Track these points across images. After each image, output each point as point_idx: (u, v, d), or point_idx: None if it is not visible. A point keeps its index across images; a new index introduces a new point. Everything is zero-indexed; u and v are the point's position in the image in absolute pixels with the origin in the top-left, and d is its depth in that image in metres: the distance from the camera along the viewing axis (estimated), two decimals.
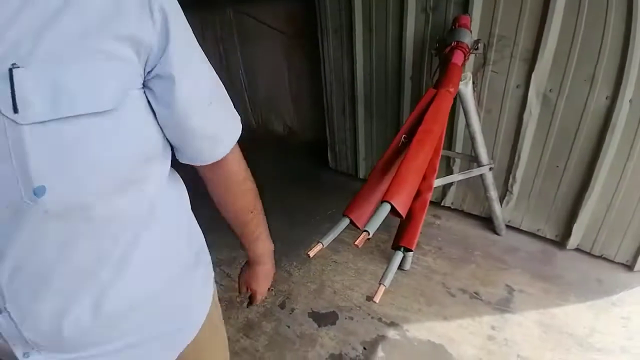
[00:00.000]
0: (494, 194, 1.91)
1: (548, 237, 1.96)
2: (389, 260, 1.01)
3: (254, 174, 0.68)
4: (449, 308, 1.66)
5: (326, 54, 2.31)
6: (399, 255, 0.98)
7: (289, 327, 1.62)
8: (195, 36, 0.50)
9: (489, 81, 1.78)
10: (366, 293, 1.76)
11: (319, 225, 2.21)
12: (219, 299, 1.71)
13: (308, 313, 1.68)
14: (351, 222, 1.04)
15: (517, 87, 1.71)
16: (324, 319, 1.65)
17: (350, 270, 1.89)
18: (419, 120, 1.22)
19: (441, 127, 1.18)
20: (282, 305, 1.72)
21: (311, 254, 0.93)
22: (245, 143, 0.62)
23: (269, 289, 0.82)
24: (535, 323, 1.57)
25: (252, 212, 0.69)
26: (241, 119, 0.60)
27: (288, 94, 3.16)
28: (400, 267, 1.88)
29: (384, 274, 0.96)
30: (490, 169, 1.83)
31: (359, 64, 2.18)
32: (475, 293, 1.72)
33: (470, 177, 1.91)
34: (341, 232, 1.04)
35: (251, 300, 0.83)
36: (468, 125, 1.72)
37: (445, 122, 1.27)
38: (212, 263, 0.75)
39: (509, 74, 1.70)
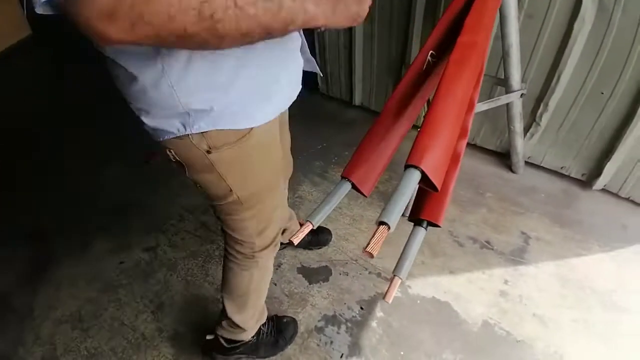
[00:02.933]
0: (519, 126, 1.59)
1: (573, 175, 1.71)
2: (408, 238, 0.72)
3: None
4: (457, 260, 1.46)
5: None
6: (420, 234, 0.70)
7: (275, 284, 1.42)
8: None
9: None
10: (362, 244, 1.53)
11: (307, 162, 1.90)
12: (195, 252, 1.43)
13: (297, 268, 1.47)
14: (353, 187, 0.72)
15: None
16: (316, 275, 1.45)
17: (345, 217, 1.64)
18: (453, 29, 0.83)
19: (487, 39, 0.80)
20: (292, 245, 1.50)
21: (296, 240, 0.64)
22: None
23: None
24: (552, 276, 1.40)
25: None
26: None
27: None
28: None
29: (399, 261, 0.68)
30: (522, 95, 1.47)
31: None
32: (487, 242, 1.52)
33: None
34: (343, 197, 0.73)
35: None
36: (503, 36, 1.31)
37: (491, 31, 0.87)
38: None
39: None
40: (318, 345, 1.25)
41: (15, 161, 2.13)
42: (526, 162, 1.79)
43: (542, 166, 1.76)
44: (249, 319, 1.10)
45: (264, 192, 0.84)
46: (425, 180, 0.57)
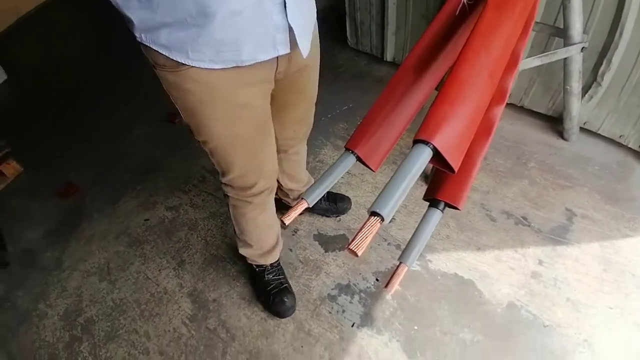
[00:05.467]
0: (577, 85, 1.36)
1: (630, 145, 1.47)
2: (421, 220, 0.63)
3: None
4: (486, 236, 1.35)
5: None
6: (435, 217, 0.60)
7: (291, 250, 1.41)
8: None
9: None
10: None
11: (331, 124, 1.80)
12: (214, 213, 1.41)
13: (314, 235, 1.44)
14: (359, 160, 0.63)
15: None
16: (332, 243, 1.41)
17: (367, 184, 1.55)
18: None
19: None
20: (283, 225, 1.47)
21: (287, 220, 0.57)
22: None
23: None
24: (595, 259, 1.25)
25: None
26: None
27: None
28: (427, 180, 1.52)
29: (407, 246, 0.59)
30: (583, 49, 1.24)
31: None
32: (523, 218, 1.38)
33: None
34: (345, 172, 0.64)
35: None
36: None
37: None
38: None
39: None
40: (330, 312, 1.24)
41: (47, 117, 2.22)
42: (581, 129, 1.56)
43: (598, 134, 1.53)
44: (245, 250, 1.20)
45: (215, 138, 0.83)
46: (439, 159, 0.47)
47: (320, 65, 0.95)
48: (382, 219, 0.40)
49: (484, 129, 0.62)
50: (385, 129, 0.64)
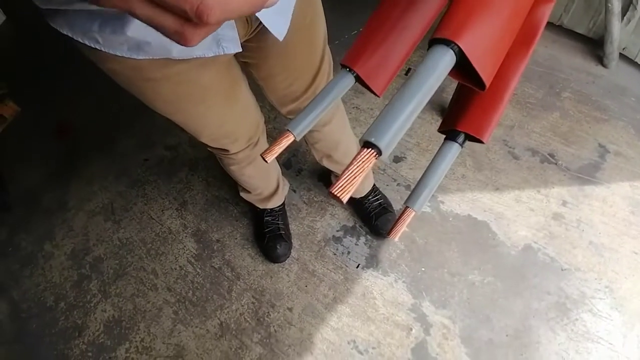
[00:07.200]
0: (617, 4, 1.14)
1: None
2: (435, 156, 0.52)
3: None
4: (507, 175, 1.24)
5: None
6: (452, 152, 0.49)
7: (294, 191, 1.34)
8: None
9: None
10: (395, 152, 1.35)
11: (338, 52, 1.59)
12: (213, 153, 1.34)
13: (318, 175, 1.35)
14: (359, 81, 0.50)
15: None
16: None
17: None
18: None
19: None
20: (287, 165, 1.39)
21: (268, 157, 0.47)
22: None
23: None
24: (624, 200, 1.14)
25: None
26: None
27: None
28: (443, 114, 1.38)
29: (416, 188, 0.49)
30: None
31: None
32: (550, 155, 1.25)
33: None
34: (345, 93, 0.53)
35: None
36: None
37: None
38: None
39: None
40: (334, 254, 1.21)
41: (42, 57, 2.08)
42: (620, 56, 1.34)
43: (635, 63, 1.32)
44: (245, 195, 1.16)
45: (165, 114, 0.71)
46: (464, 69, 0.34)
47: None
48: (379, 152, 0.29)
49: (525, 34, 0.47)
50: (393, 42, 0.49)
